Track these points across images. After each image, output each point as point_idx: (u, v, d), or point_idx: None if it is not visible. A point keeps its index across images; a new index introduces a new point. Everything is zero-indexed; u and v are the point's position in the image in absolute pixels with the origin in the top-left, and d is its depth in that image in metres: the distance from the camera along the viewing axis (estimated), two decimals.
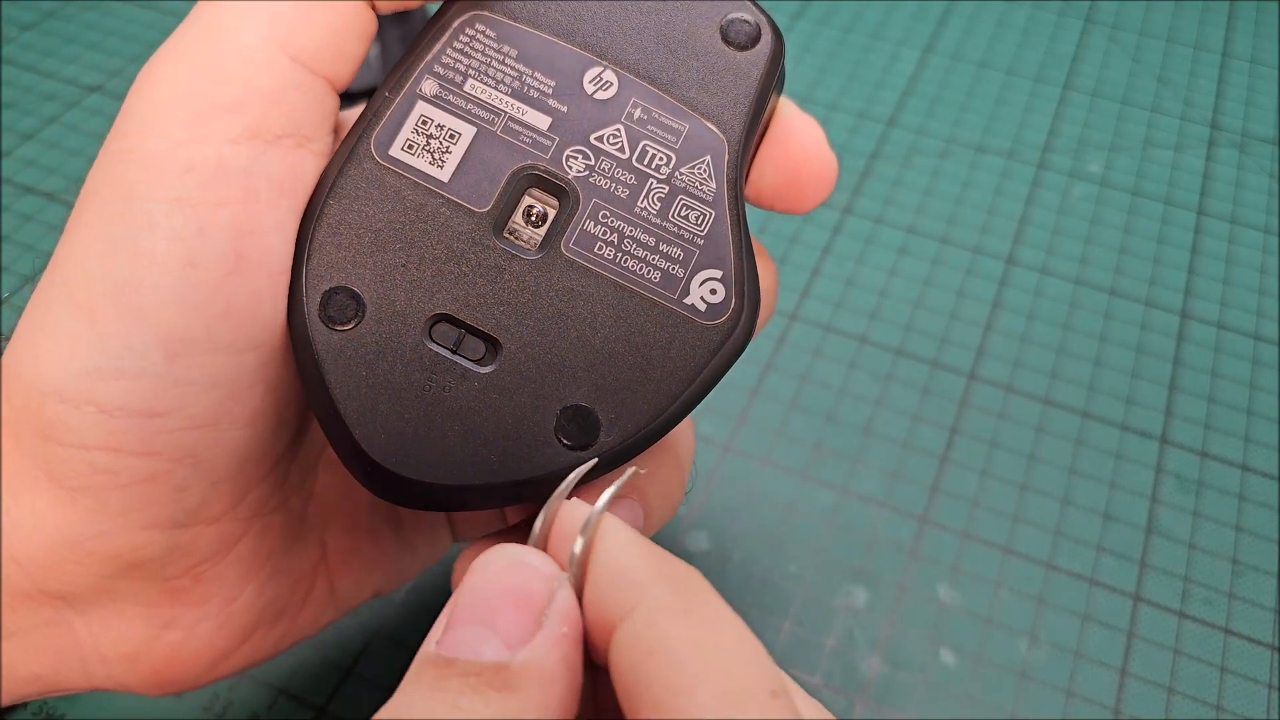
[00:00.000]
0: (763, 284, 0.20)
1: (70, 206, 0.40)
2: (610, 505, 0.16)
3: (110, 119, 0.43)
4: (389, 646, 0.29)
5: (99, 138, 0.42)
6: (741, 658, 0.14)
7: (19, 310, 0.36)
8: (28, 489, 0.17)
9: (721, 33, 0.19)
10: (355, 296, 0.18)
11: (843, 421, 0.34)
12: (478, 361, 0.18)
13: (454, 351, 0.18)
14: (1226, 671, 0.29)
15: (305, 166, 0.18)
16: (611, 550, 0.15)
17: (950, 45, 0.48)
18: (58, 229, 0.39)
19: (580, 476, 0.17)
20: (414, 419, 0.18)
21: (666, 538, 0.31)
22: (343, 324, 0.18)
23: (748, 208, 0.20)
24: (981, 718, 0.28)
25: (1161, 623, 0.30)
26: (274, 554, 0.21)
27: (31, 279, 0.37)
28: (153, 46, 0.47)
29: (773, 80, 0.19)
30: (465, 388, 0.18)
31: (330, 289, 0.18)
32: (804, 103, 0.45)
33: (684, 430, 0.22)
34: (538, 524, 0.16)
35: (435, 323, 0.18)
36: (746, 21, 0.19)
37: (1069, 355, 0.36)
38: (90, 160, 0.41)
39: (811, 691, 0.28)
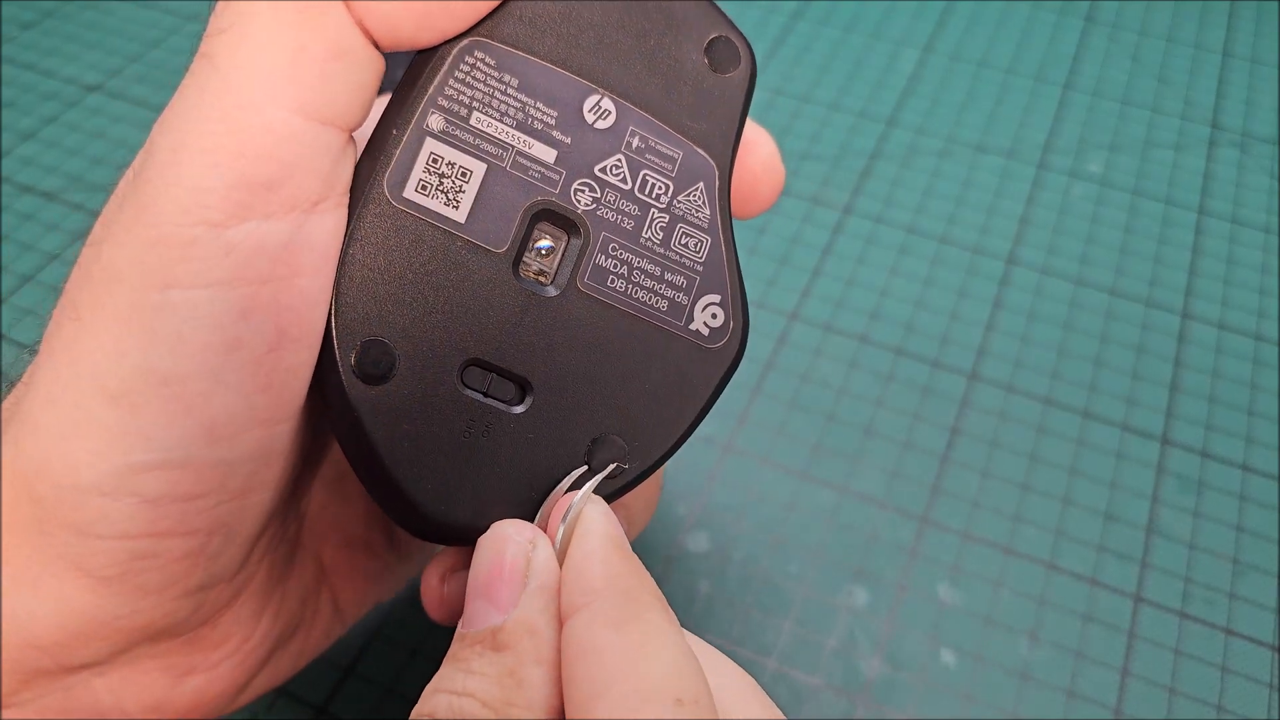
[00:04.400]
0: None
1: (68, 205, 0.40)
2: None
3: (110, 118, 0.43)
4: (388, 646, 0.29)
5: (98, 137, 0.42)
6: (659, 666, 0.15)
7: (19, 310, 0.36)
8: (53, 577, 0.17)
9: (706, 54, 0.19)
10: (387, 350, 0.17)
11: (843, 421, 0.34)
12: (508, 402, 0.18)
13: (486, 395, 0.18)
14: (1227, 672, 0.29)
15: (344, 227, 0.17)
16: (584, 550, 0.17)
17: (950, 45, 0.48)
18: (57, 228, 0.39)
19: (574, 479, 0.19)
20: (457, 465, 0.18)
21: (667, 538, 0.31)
22: (378, 379, 0.17)
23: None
24: (982, 718, 0.28)
25: (1162, 623, 0.30)
26: (280, 583, 0.21)
27: (31, 278, 0.37)
28: (152, 46, 0.46)
29: (750, 101, 0.20)
30: (501, 429, 0.18)
31: (363, 345, 0.17)
32: (804, 102, 0.45)
33: None
34: (540, 515, 0.18)
35: (465, 367, 0.18)
36: (729, 43, 0.20)
37: (1070, 355, 0.36)
38: (89, 159, 0.41)
39: (812, 692, 0.28)
